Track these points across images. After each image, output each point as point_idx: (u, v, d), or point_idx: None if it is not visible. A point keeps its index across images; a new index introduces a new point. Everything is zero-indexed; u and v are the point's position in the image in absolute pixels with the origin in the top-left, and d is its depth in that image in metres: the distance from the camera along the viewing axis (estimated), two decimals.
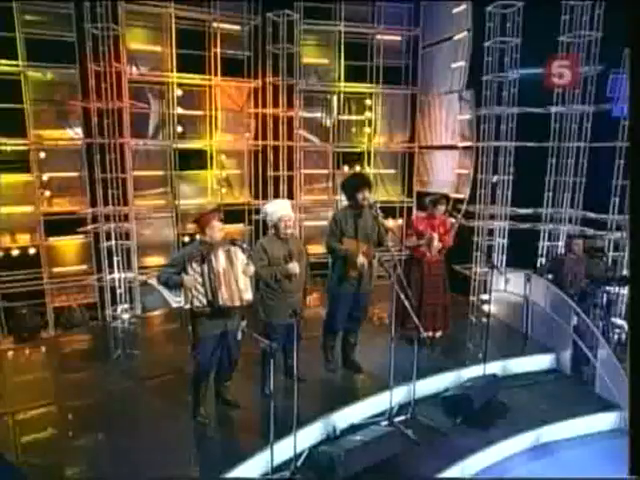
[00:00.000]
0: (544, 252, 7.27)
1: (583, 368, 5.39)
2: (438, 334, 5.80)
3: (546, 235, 7.27)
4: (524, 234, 7.28)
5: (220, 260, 3.96)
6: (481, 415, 4.56)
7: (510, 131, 7.13)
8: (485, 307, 7.13)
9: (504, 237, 7.43)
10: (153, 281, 7.86)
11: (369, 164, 8.72)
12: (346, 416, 4.44)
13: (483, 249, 7.31)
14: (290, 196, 7.92)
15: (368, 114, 8.53)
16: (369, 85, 8.27)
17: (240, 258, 4.06)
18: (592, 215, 6.75)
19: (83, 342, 6.59)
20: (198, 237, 4.15)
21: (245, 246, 4.11)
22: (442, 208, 5.60)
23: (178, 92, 7.44)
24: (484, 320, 6.69)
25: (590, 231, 6.68)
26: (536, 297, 6.03)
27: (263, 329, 4.47)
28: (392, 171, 8.91)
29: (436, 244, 5.37)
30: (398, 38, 8.37)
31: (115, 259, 7.07)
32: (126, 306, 7.16)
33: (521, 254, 7.29)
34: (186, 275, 3.88)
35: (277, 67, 7.66)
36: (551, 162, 7.05)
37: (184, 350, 5.41)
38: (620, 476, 3.22)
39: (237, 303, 3.99)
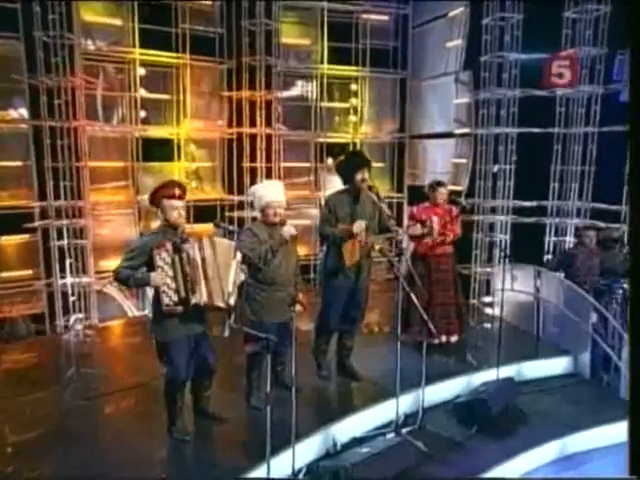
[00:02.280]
0: (551, 248, 7.22)
1: (603, 371, 5.30)
2: (453, 338, 5.61)
3: (552, 230, 7.23)
4: (528, 229, 7.23)
5: (200, 249, 3.59)
6: (499, 423, 4.37)
7: (512, 116, 7.11)
8: (488, 310, 7.04)
9: (506, 233, 7.35)
10: (111, 290, 7.52)
11: None
12: (347, 428, 4.18)
13: (485, 245, 7.23)
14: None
15: (354, 101, 8.41)
16: (355, 68, 8.16)
17: (228, 249, 3.67)
18: (603, 206, 6.73)
19: (29, 359, 6.10)
20: (159, 220, 3.73)
21: (232, 228, 3.85)
22: (444, 191, 5.43)
23: (141, 71, 7.16)
24: (487, 324, 6.68)
25: (601, 224, 6.65)
26: (547, 294, 5.93)
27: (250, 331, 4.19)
28: (380, 164, 8.78)
29: (436, 227, 5.19)
30: (386, 18, 8.32)
31: (67, 261, 6.65)
32: (80, 316, 6.75)
33: (525, 251, 7.19)
34: (153, 271, 3.49)
35: (254, 46, 7.47)
36: (557, 149, 7.04)
37: (152, 362, 5.11)
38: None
39: (219, 303, 3.59)
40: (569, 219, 7.08)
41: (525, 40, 6.88)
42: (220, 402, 4.19)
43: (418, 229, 4.94)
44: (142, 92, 7.23)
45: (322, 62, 8.02)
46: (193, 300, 3.55)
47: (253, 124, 7.60)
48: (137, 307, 7.80)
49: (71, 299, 6.68)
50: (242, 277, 3.82)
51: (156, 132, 7.46)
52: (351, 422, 4.24)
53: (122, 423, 4.24)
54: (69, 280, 6.66)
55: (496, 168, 7.16)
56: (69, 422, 4.25)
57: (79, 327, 6.61)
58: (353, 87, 8.34)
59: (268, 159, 7.68)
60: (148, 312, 3.72)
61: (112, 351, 6.23)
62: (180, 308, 3.57)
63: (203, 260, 3.58)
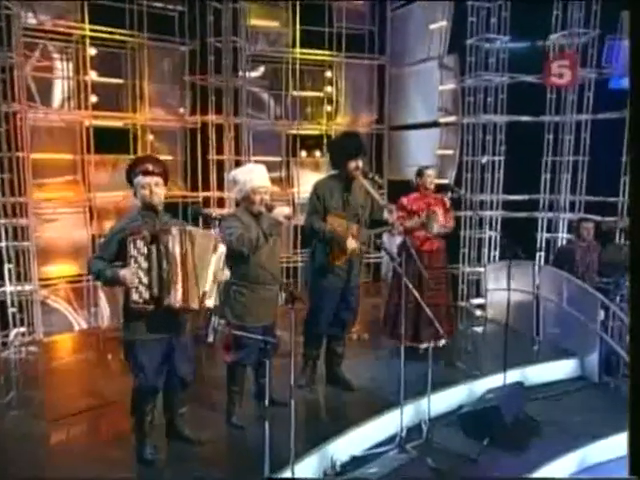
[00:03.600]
0: (543, 245, 7.10)
1: (606, 374, 5.16)
2: (442, 342, 5.37)
3: (544, 225, 7.11)
4: (518, 225, 7.09)
5: (181, 242, 3.18)
6: (512, 434, 4.11)
7: (500, 104, 6.98)
8: (478, 312, 6.86)
9: (496, 229, 7.20)
10: (56, 300, 6.97)
11: None
12: (345, 446, 3.84)
13: (474, 243, 7.05)
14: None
15: (328, 89, 8.13)
16: (329, 53, 7.88)
17: (208, 243, 3.27)
18: (598, 199, 6.64)
19: None
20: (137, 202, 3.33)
21: (215, 214, 3.47)
22: (431, 173, 5.21)
23: (91, 51, 6.66)
24: (479, 327, 6.48)
25: (597, 218, 6.56)
26: (547, 292, 5.77)
27: (231, 337, 3.80)
28: None
29: (441, 219, 4.96)
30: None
31: (6, 266, 6.06)
32: (22, 329, 6.16)
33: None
34: (126, 268, 3.11)
35: (219, 26, 7.09)
36: (548, 139, 6.94)
37: (107, 381, 4.76)
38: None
39: (194, 305, 3.20)
40: (562, 213, 6.97)
41: (514, 22, 6.77)
42: (197, 421, 3.80)
43: (417, 221, 4.67)
44: (93, 75, 6.73)
45: (294, 46, 7.70)
46: (166, 301, 3.15)
47: (219, 113, 7.19)
48: (87, 320, 7.27)
49: (11, 310, 6.09)
50: (227, 274, 3.43)
51: (109, 121, 6.95)
52: (349, 439, 3.91)
53: (75, 454, 3.72)
54: (8, 288, 6.06)
55: (485, 159, 7.00)
56: (10, 456, 3.70)
57: (20, 343, 6.03)
58: (327, 74, 8.06)
59: (237, 152, 7.28)
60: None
61: (60, 370, 5.66)
62: (150, 307, 3.16)
63: (183, 255, 3.18)
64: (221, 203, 7.29)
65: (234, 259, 3.67)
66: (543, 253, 7.07)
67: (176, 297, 3.14)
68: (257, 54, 7.56)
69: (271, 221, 3.75)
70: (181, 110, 7.33)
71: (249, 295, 3.80)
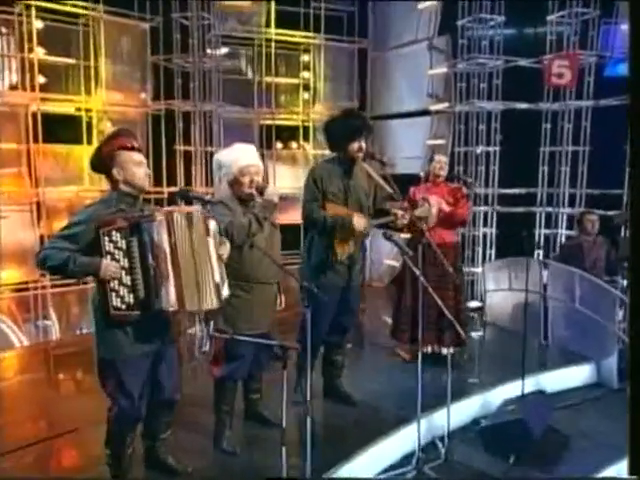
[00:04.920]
0: (542, 242, 6.93)
1: (619, 378, 4.97)
2: (445, 350, 5.01)
3: (543, 220, 6.95)
4: (515, 220, 6.91)
5: (170, 230, 2.73)
6: (541, 448, 3.83)
7: (495, 90, 6.79)
8: (473, 315, 6.62)
9: (492, 225, 6.99)
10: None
11: (307, 141, 7.95)
12: (356, 470, 3.46)
13: (468, 242, 6.82)
14: (209, 182, 6.86)
15: (305, 74, 7.79)
16: (307, 34, 7.56)
17: (209, 226, 2.85)
18: (599, 192, 6.52)
19: None
20: (109, 190, 2.87)
21: (208, 197, 3.05)
22: (442, 159, 4.92)
23: (38, 24, 6.13)
24: (478, 332, 6.24)
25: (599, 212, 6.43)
26: (557, 291, 5.56)
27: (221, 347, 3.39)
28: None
29: (434, 211, 4.66)
30: None
31: None
32: None
33: (512, 246, 6.88)
34: (103, 257, 2.65)
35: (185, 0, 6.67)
36: (545, 128, 6.79)
37: (58, 405, 4.30)
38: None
39: (192, 307, 2.77)
40: (562, 208, 6.81)
41: (509, 1, 6.60)
42: (181, 447, 3.35)
43: (427, 209, 4.34)
44: (40, 52, 6.19)
45: (268, 26, 7.34)
46: (156, 305, 2.70)
47: (186, 97, 6.75)
48: (32, 334, 6.71)
49: None
50: (227, 246, 3.02)
51: (59, 105, 6.43)
52: (360, 462, 3.52)
53: None
54: None
55: (479, 150, 6.79)
56: None
57: None
58: (305, 58, 7.73)
59: (207, 141, 6.84)
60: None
61: (2, 394, 5.11)
62: (135, 314, 2.71)
63: (173, 245, 2.74)
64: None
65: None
66: (541, 251, 6.89)
67: (168, 299, 2.69)
68: (227, 35, 7.16)
69: (264, 204, 3.35)
70: (142, 95, 6.86)
71: (243, 296, 3.39)
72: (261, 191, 3.36)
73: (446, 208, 4.78)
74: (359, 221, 3.82)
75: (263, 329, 3.45)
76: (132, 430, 2.91)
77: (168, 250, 2.73)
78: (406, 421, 3.82)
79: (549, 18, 6.59)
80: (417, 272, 3.67)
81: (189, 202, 3.01)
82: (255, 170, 3.44)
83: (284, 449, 2.39)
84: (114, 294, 2.68)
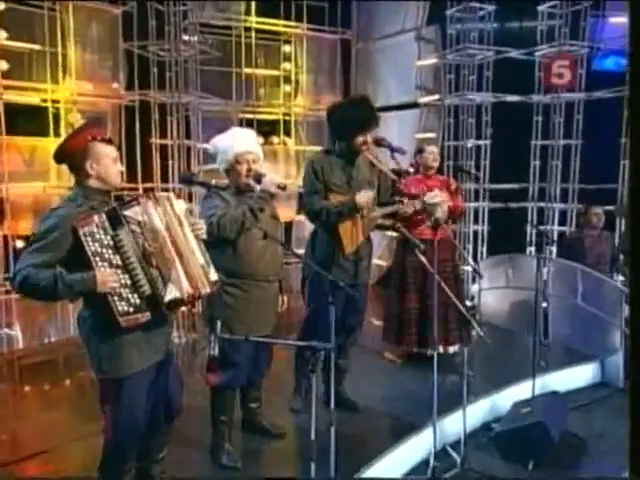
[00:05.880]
0: (533, 239, 6.79)
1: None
2: (452, 348, 4.95)
3: (534, 216, 6.82)
4: (505, 216, 6.76)
5: (160, 210, 2.47)
6: (560, 452, 3.65)
7: (486, 82, 6.63)
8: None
9: (483, 222, 6.84)
10: None
11: (288, 135, 7.67)
12: None
13: (460, 239, 6.63)
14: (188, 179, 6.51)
15: (287, 66, 7.51)
16: (289, 24, 7.28)
17: (180, 208, 2.57)
18: (594, 187, 6.41)
19: None
20: (75, 187, 2.54)
21: (215, 182, 2.79)
22: (433, 151, 4.79)
23: None
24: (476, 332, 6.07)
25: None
26: (558, 287, 5.42)
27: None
28: (317, 148, 7.94)
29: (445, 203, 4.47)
30: None
31: None
32: None
33: (503, 243, 6.74)
34: (89, 267, 2.33)
35: None
36: (537, 120, 6.67)
37: (32, 421, 3.95)
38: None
39: (205, 289, 2.51)
40: (554, 203, 6.70)
41: None
42: (176, 465, 3.04)
43: (415, 204, 4.06)
44: (1, 36, 5.75)
45: (248, 14, 7.04)
46: (168, 296, 2.40)
47: (162, 87, 6.38)
48: None
49: None
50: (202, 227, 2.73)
51: (23, 95, 5.98)
52: (371, 473, 3.27)
53: None
54: None
55: (470, 144, 6.62)
56: None
57: None
58: (286, 49, 7.45)
59: (186, 134, 6.49)
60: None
61: None
62: (146, 314, 2.39)
63: (168, 227, 2.45)
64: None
65: (218, 249, 2.98)
66: (534, 248, 6.76)
67: (181, 285, 2.40)
68: (205, 23, 6.82)
69: (261, 194, 3.07)
70: (114, 85, 6.46)
71: (241, 296, 3.11)
72: (258, 180, 3.09)
73: (450, 202, 4.59)
74: (361, 197, 3.57)
75: (264, 331, 3.19)
76: (133, 453, 2.58)
77: (165, 231, 2.44)
78: (417, 428, 3.61)
79: (540, 8, 6.48)
80: (431, 270, 3.47)
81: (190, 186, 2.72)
82: (253, 157, 3.18)
83: (313, 465, 2.11)
84: (116, 299, 2.36)
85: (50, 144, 6.21)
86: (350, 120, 3.63)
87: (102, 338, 2.42)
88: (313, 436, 2.20)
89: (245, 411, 3.51)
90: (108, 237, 2.37)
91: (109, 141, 2.55)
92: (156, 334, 2.49)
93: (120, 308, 2.34)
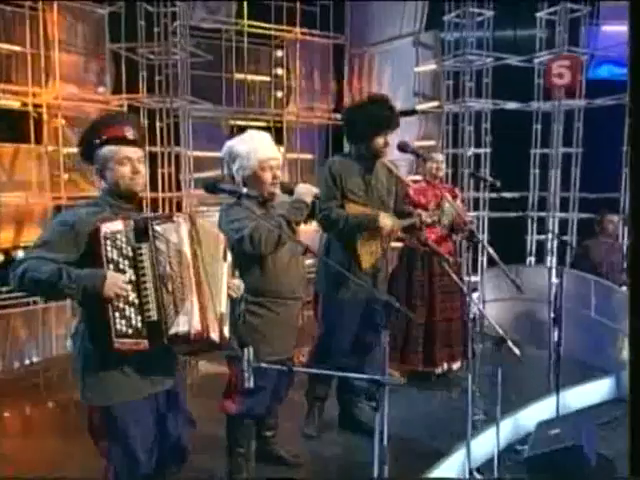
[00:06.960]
0: (534, 249, 6.67)
1: None
2: (456, 365, 4.77)
3: (535, 226, 6.69)
4: (505, 226, 6.63)
5: (192, 235, 2.18)
6: (595, 477, 3.44)
7: (485, 89, 6.51)
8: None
9: (484, 231, 6.69)
10: None
11: (280, 143, 7.41)
12: None
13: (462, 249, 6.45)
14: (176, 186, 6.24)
15: (279, 71, 7.29)
16: (281, 27, 7.07)
17: (215, 241, 2.33)
18: (593, 196, 6.32)
19: None
20: (102, 187, 2.27)
21: (247, 191, 2.51)
22: (440, 160, 4.61)
23: None
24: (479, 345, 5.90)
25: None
26: (569, 299, 5.24)
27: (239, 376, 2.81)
28: (309, 156, 7.74)
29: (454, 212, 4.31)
30: None
31: None
32: None
33: (503, 253, 6.59)
34: (107, 270, 2.06)
35: None
36: (536, 129, 6.56)
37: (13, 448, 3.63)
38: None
39: (214, 335, 2.18)
40: (555, 212, 6.58)
41: None
42: None
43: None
44: None
45: (240, 17, 6.80)
46: (174, 328, 2.10)
47: (151, 91, 6.10)
48: None
49: None
50: (241, 287, 2.47)
51: (4, 99, 5.66)
52: None
53: None
54: None
55: (470, 152, 6.48)
56: None
57: None
58: (278, 54, 7.23)
59: (175, 141, 6.21)
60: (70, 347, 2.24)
61: None
62: (144, 343, 2.10)
63: (194, 255, 2.18)
64: (154, 204, 6.18)
65: (243, 266, 2.71)
66: (534, 258, 6.64)
67: (192, 322, 2.10)
68: (194, 26, 6.57)
69: (295, 205, 2.81)
70: (101, 89, 6.15)
71: (267, 316, 2.84)
72: (290, 190, 2.83)
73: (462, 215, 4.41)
74: (386, 220, 3.37)
75: (288, 354, 2.92)
76: None
77: (191, 260, 2.16)
78: (444, 454, 3.37)
79: (539, 15, 6.39)
80: (461, 285, 3.26)
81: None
82: (277, 164, 2.91)
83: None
84: (117, 315, 2.07)
85: (32, 151, 5.88)
86: (370, 120, 3.41)
87: (90, 355, 2.14)
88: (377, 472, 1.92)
89: (260, 440, 3.22)
90: (129, 248, 2.11)
91: (127, 140, 2.23)
92: (160, 360, 2.20)
93: (118, 327, 2.05)
